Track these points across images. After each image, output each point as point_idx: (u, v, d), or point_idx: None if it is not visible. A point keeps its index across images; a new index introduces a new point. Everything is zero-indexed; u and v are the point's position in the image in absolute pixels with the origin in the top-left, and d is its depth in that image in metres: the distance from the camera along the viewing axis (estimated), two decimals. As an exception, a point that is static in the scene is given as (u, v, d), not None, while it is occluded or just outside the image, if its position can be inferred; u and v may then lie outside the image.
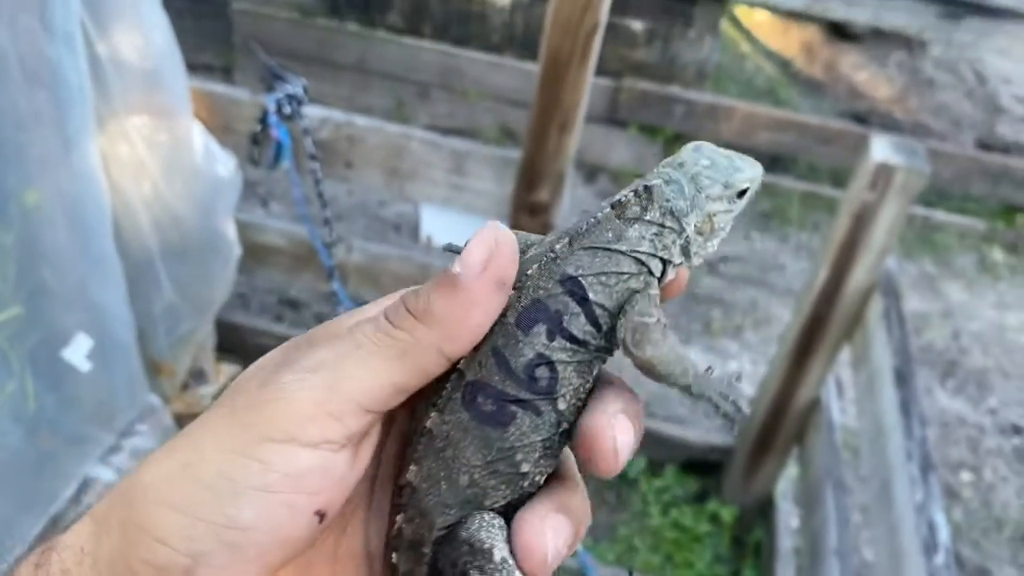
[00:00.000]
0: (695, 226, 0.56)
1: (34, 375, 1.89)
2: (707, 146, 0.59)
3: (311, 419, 0.47)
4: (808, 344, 2.53)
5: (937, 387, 3.78)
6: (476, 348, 0.51)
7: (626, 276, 0.53)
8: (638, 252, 0.54)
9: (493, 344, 0.51)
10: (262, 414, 0.47)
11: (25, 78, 1.69)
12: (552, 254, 0.52)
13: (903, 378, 2.01)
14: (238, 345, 2.95)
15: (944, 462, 3.41)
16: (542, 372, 0.51)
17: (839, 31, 5.94)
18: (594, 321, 0.52)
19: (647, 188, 0.54)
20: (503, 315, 0.51)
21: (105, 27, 1.91)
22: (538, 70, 2.17)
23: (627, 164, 4.65)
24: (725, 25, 5.28)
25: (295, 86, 2.47)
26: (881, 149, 2.14)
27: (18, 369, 1.83)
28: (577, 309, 0.52)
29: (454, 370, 0.52)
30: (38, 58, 1.73)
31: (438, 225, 3.02)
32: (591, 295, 0.52)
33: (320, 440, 0.47)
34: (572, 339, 0.52)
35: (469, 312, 0.49)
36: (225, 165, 2.38)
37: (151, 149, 2.16)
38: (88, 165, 1.94)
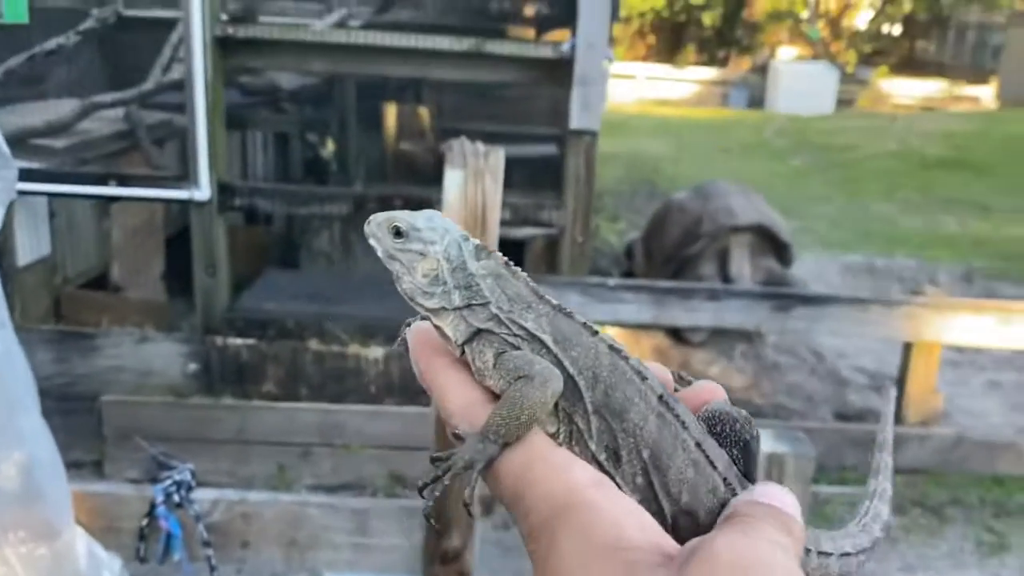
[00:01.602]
0: None
1: None
2: (424, 220, 0.69)
3: None
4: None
5: (876, 666, 3.68)
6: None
7: None
8: None
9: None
10: None
11: None
12: (596, 352, 0.66)
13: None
14: None
15: None
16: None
17: (681, 338, 6.44)
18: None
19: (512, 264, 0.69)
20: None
21: (-17, 448, 1.84)
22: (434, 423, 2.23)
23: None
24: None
25: (182, 472, 2.41)
26: (765, 441, 2.25)
27: None
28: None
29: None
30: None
31: (345, 592, 2.85)
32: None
33: None
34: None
35: None
36: (111, 570, 2.21)
37: (29, 567, 2.00)
38: (-40, 600, 1.77)
